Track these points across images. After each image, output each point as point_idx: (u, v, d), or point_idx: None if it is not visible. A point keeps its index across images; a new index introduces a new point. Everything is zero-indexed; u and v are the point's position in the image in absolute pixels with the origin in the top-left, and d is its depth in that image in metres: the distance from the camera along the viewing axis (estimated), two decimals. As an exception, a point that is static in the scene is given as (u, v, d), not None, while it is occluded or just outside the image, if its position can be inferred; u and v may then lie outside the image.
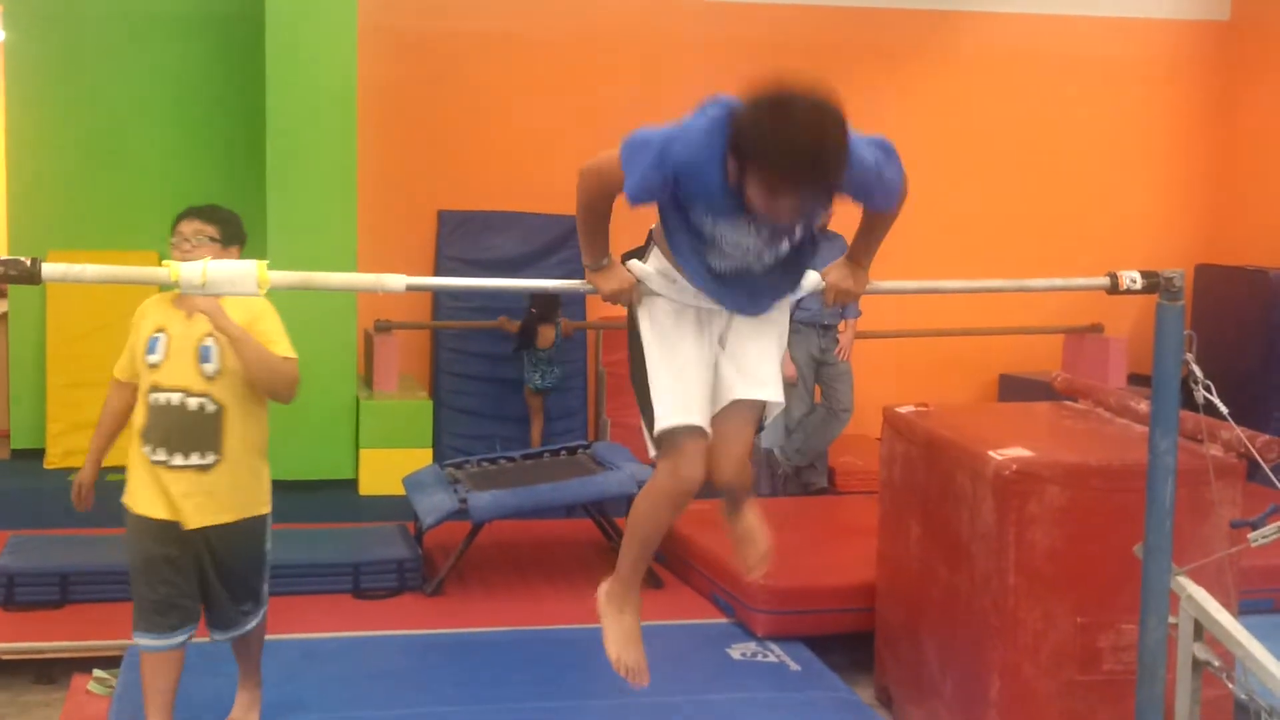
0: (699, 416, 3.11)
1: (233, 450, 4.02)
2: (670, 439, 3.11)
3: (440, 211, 9.00)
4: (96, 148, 8.68)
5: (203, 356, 3.99)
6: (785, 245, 3.06)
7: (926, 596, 4.64)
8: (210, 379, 3.98)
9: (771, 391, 3.19)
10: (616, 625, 3.23)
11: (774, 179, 2.76)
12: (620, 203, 3.04)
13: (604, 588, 3.25)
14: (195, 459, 3.98)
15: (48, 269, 2.87)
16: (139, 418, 4.04)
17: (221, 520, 4.04)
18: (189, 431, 3.97)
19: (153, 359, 3.99)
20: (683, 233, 3.07)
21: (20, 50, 8.67)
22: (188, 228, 4.13)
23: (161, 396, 3.97)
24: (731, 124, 2.79)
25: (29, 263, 2.85)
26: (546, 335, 8.32)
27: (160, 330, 4.02)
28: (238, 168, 8.60)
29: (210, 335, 3.96)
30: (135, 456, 4.06)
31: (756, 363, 3.19)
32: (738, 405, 3.17)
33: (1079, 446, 4.45)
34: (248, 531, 4.12)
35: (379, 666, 5.09)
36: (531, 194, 8.91)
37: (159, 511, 4.02)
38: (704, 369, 3.16)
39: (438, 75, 9.00)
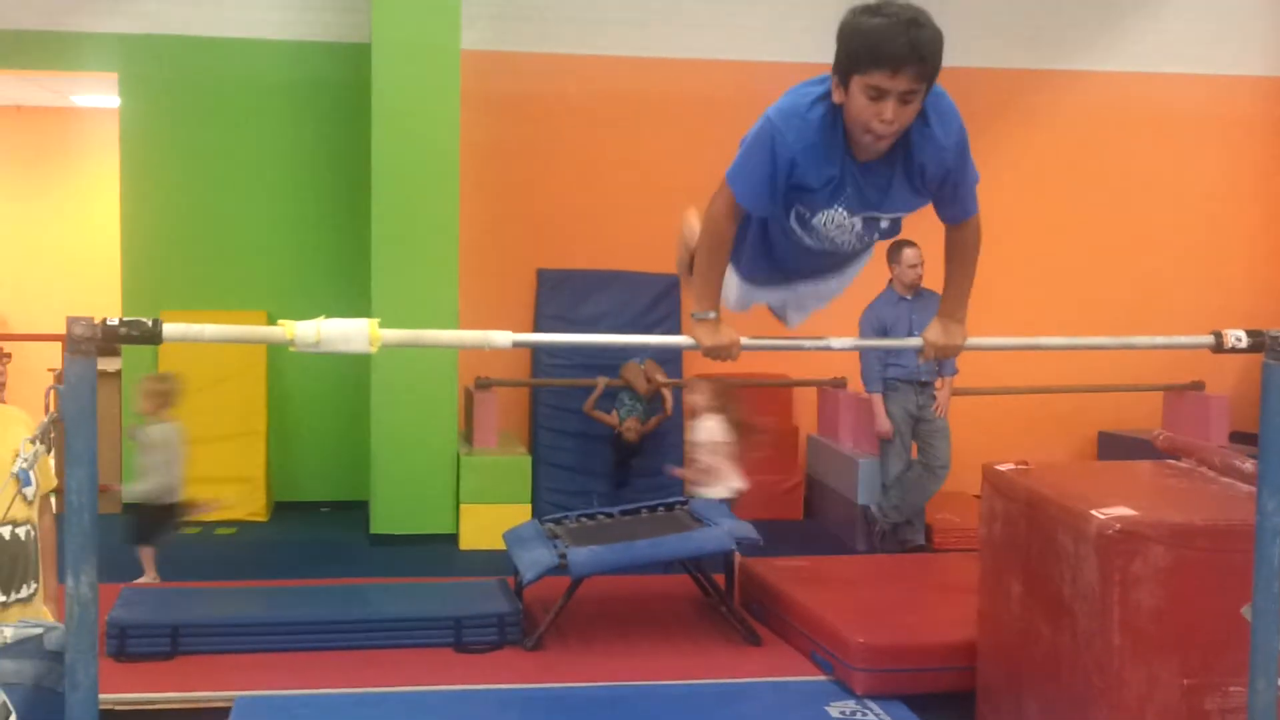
0: None
1: (38, 574, 3.59)
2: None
3: (539, 270, 9.13)
4: (207, 210, 8.95)
5: (24, 480, 3.44)
6: (885, 225, 3.21)
7: (1028, 656, 4.60)
8: (30, 503, 3.55)
9: None
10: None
11: (875, 60, 2.88)
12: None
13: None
14: (25, 591, 3.52)
15: (168, 329, 2.93)
16: None
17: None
18: (15, 563, 3.51)
19: None
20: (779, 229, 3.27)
21: (135, 116, 8.97)
22: None
23: None
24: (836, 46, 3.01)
25: (150, 323, 2.93)
26: (631, 428, 8.52)
27: None
28: (344, 229, 8.83)
29: (18, 454, 3.33)
30: None
31: None
32: None
33: (1183, 506, 4.40)
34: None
35: (480, 720, 5.14)
36: (628, 253, 9.02)
37: None
38: None
39: (536, 136, 9.16)
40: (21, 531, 3.55)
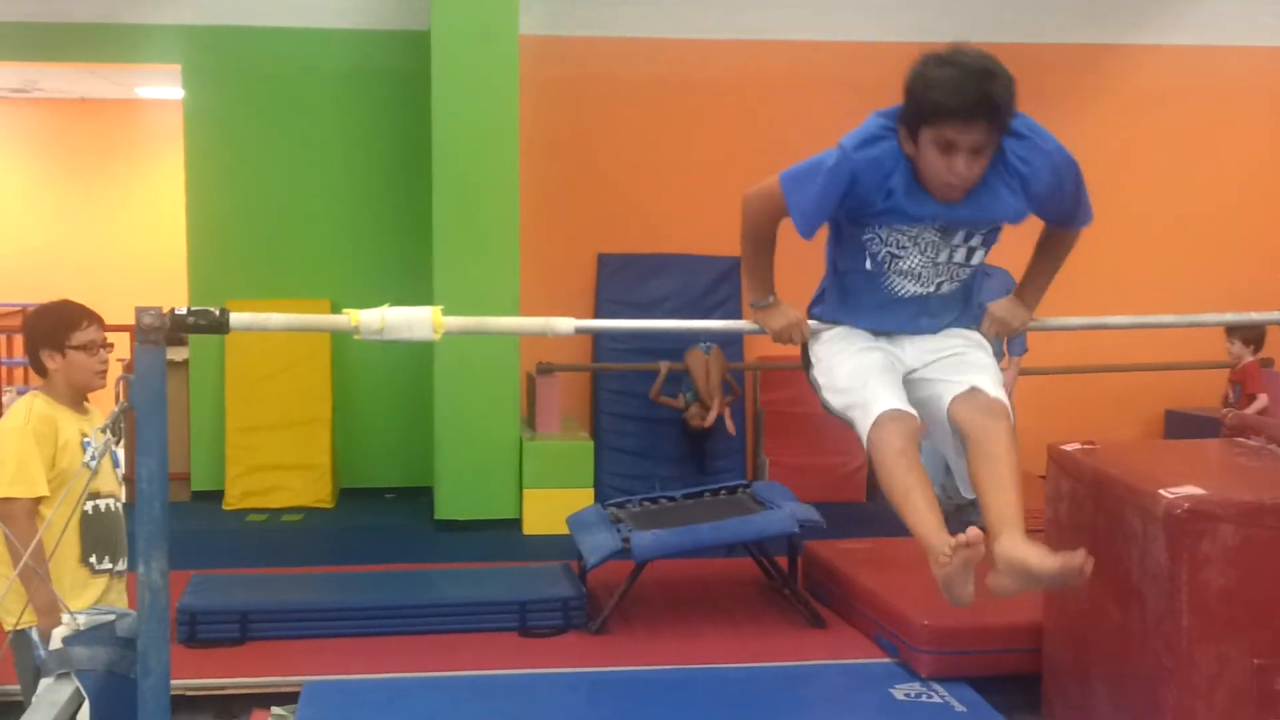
0: (893, 401, 3.03)
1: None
2: (875, 430, 3.04)
3: (600, 254, 9.14)
4: (270, 199, 9.02)
5: (115, 461, 3.95)
6: (960, 244, 3.04)
7: (1096, 637, 4.57)
8: (120, 484, 3.96)
9: (982, 380, 3.08)
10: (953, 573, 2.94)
11: (945, 115, 2.79)
12: (785, 237, 3.12)
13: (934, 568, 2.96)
14: (122, 565, 3.95)
15: (235, 318, 2.95)
16: (60, 531, 3.68)
17: None
18: (121, 535, 3.94)
19: (95, 465, 3.59)
20: (856, 269, 3.10)
21: (198, 107, 9.05)
22: (100, 336, 3.97)
23: (101, 503, 3.90)
24: (903, 98, 2.88)
25: (218, 312, 2.96)
26: (696, 415, 8.53)
27: (85, 436, 3.91)
28: (405, 216, 8.88)
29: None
30: (71, 577, 3.78)
31: (955, 366, 3.13)
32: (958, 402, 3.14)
33: (1253, 484, 4.34)
34: None
35: (545, 703, 5.16)
36: (689, 236, 9.01)
37: None
38: (890, 370, 3.11)
39: (595, 121, 9.16)
40: (121, 506, 3.89)
